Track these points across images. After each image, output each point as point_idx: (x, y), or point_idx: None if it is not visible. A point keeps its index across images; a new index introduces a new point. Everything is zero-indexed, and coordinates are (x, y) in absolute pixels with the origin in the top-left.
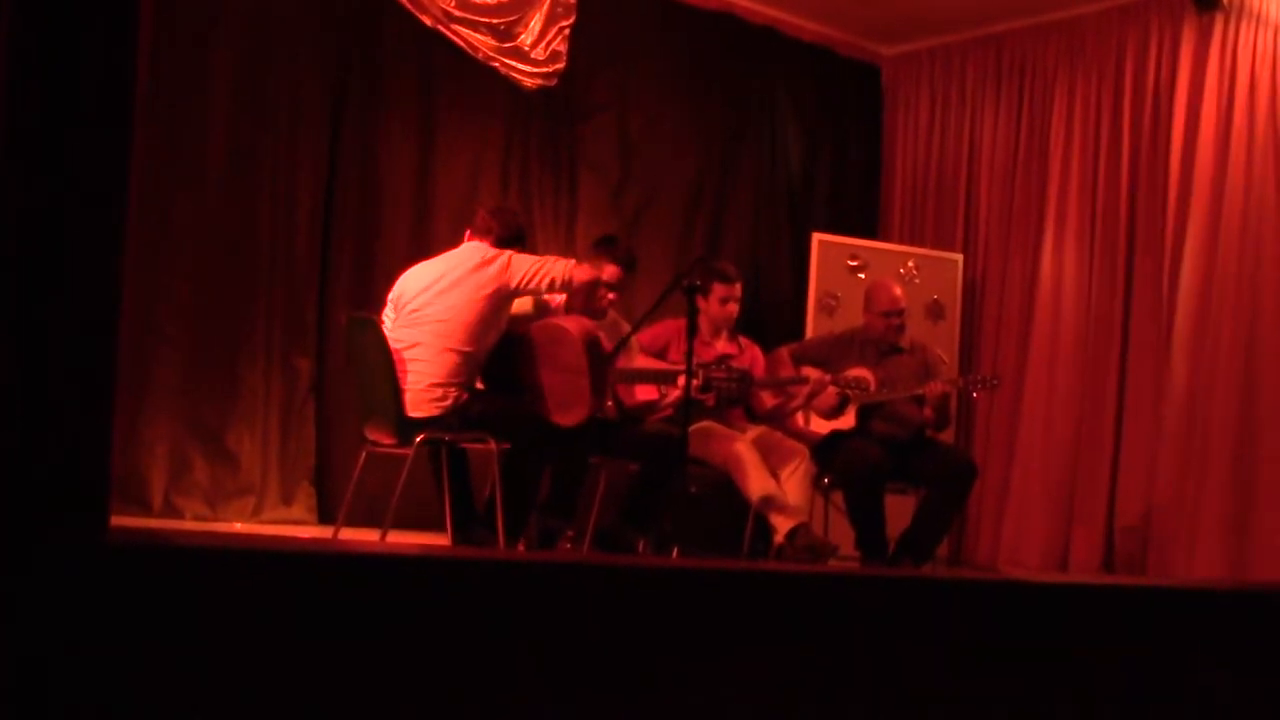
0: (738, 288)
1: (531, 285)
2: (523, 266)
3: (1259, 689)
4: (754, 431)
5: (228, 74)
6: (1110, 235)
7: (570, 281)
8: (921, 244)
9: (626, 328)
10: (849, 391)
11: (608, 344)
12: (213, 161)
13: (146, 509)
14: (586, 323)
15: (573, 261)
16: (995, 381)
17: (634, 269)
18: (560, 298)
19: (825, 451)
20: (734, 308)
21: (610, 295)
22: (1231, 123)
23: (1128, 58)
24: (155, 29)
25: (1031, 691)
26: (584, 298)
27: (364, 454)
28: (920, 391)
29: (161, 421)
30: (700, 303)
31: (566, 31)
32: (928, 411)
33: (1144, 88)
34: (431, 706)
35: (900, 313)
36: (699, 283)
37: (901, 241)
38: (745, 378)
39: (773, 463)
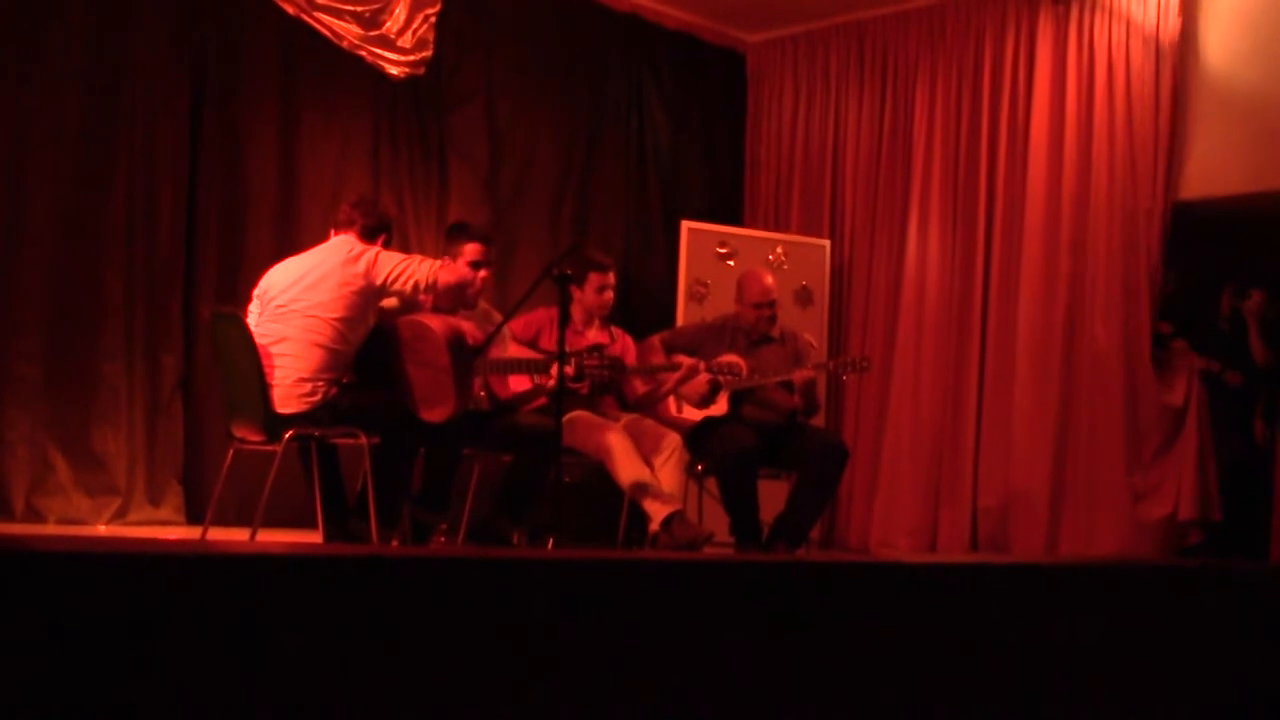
0: (612, 275)
1: (396, 286)
2: (388, 264)
3: (1121, 658)
4: (626, 419)
5: (81, 62)
6: (971, 220)
7: (435, 284)
8: (788, 230)
9: (498, 317)
10: (721, 377)
11: (479, 334)
12: (68, 154)
13: (8, 514)
14: (451, 320)
15: (439, 263)
16: (865, 364)
17: (493, 241)
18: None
19: (698, 438)
20: (610, 295)
21: (482, 273)
22: (1093, 110)
23: (986, 46)
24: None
25: (909, 671)
26: (450, 299)
27: (231, 452)
28: (790, 377)
29: (21, 422)
30: (575, 292)
31: (433, 19)
32: (797, 398)
33: (1002, 76)
34: (304, 708)
35: (771, 304)
36: (571, 272)
37: (768, 228)
38: (618, 364)
39: (646, 450)
